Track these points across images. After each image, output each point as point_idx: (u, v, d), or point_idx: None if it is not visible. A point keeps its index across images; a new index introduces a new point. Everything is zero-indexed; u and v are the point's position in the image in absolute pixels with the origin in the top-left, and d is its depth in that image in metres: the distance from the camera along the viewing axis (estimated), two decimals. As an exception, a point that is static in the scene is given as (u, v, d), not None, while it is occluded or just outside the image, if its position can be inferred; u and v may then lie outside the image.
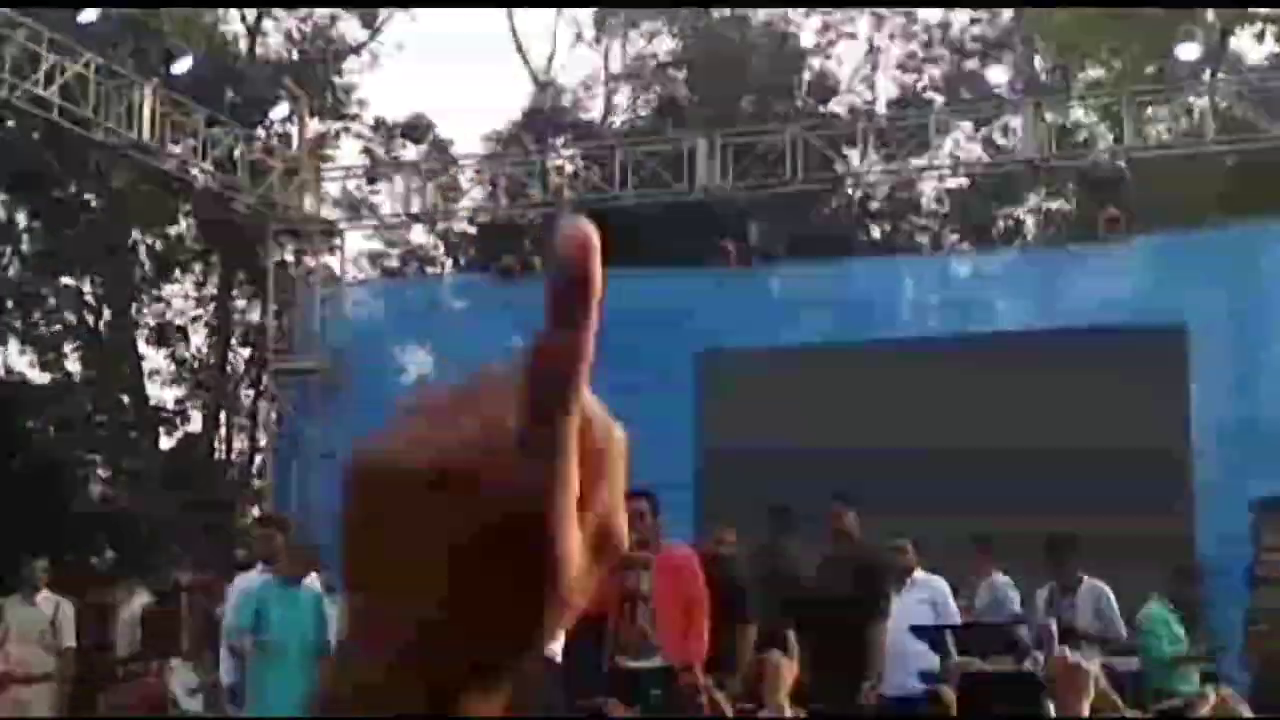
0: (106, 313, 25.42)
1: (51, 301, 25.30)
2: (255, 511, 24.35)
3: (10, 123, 22.66)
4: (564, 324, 0.73)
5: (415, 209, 19.73)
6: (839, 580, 10.37)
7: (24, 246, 25.03)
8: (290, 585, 11.05)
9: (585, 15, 28.17)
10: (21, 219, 25.18)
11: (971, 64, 25.13)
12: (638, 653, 10.37)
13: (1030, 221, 26.30)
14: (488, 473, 0.72)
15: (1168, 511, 14.55)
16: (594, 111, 27.41)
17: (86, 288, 25.32)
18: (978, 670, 2.69)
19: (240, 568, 16.05)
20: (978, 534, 12.52)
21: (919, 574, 11.87)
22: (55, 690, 13.17)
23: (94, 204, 24.21)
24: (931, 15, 26.19)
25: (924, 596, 11.81)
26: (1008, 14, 25.48)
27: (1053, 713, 2.16)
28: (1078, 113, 21.77)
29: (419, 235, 26.16)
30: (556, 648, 9.32)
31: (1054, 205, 25.92)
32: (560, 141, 24.43)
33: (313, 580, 11.33)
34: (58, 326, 25.52)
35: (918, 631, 11.04)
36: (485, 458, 0.72)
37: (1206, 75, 17.81)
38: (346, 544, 0.76)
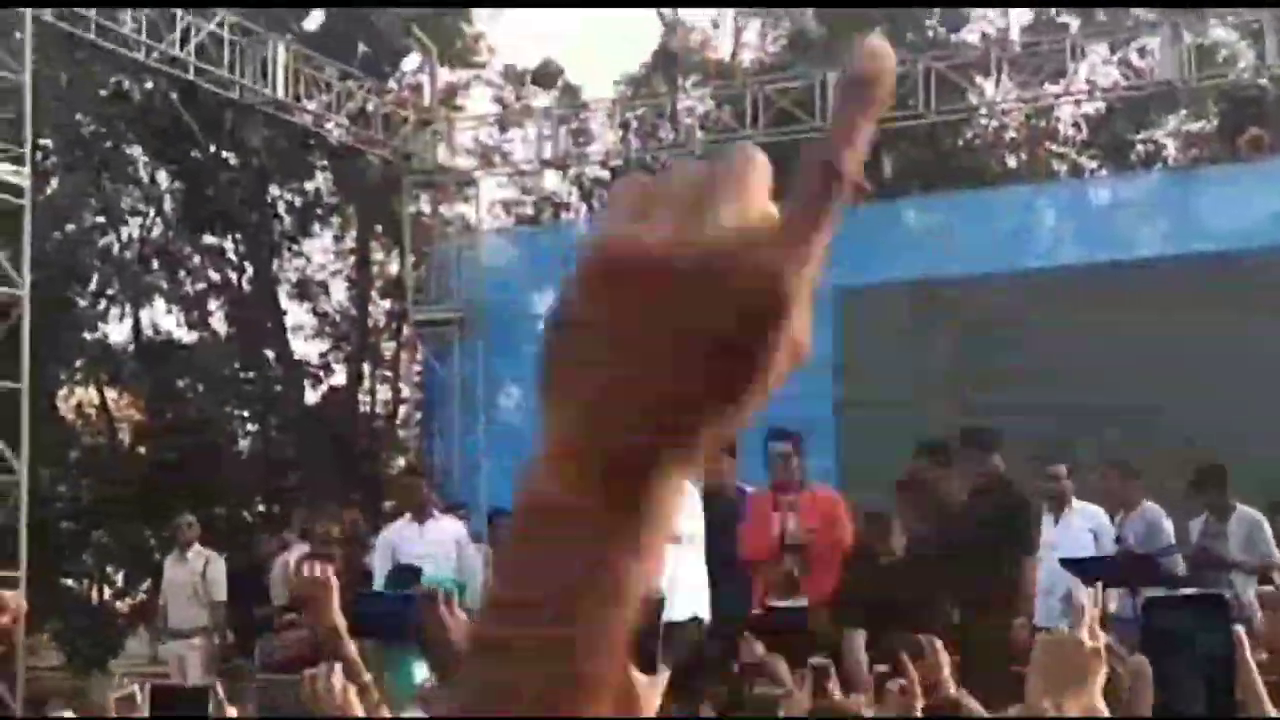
0: (249, 269, 25.71)
1: (195, 260, 25.66)
2: (401, 462, 24.63)
3: (149, 84, 22.98)
4: (844, 136, 0.86)
5: (548, 155, 19.78)
6: (987, 515, 10.28)
7: (166, 207, 25.40)
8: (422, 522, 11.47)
9: (713, -47, 27.99)
10: (163, 180, 25.54)
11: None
12: (783, 593, 10.37)
13: (1171, 145, 25.80)
14: (750, 260, 0.82)
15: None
16: (723, 50, 27.26)
17: (228, 245, 25.64)
18: (1163, 595, 2.63)
19: (389, 517, 16.31)
20: (1124, 464, 12.34)
21: (1077, 502, 11.73)
22: (208, 644, 13.44)
23: (232, 162, 24.49)
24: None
25: (1087, 525, 11.68)
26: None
27: (1244, 639, 2.10)
28: (1217, 31, 21.29)
29: (552, 181, 26.24)
30: (701, 598, 9.31)
31: (1195, 127, 25.41)
32: (690, 82, 24.33)
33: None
34: (202, 285, 25.88)
35: (1067, 565, 10.92)
36: (746, 248, 0.81)
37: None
38: (578, 340, 0.81)
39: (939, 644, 5.56)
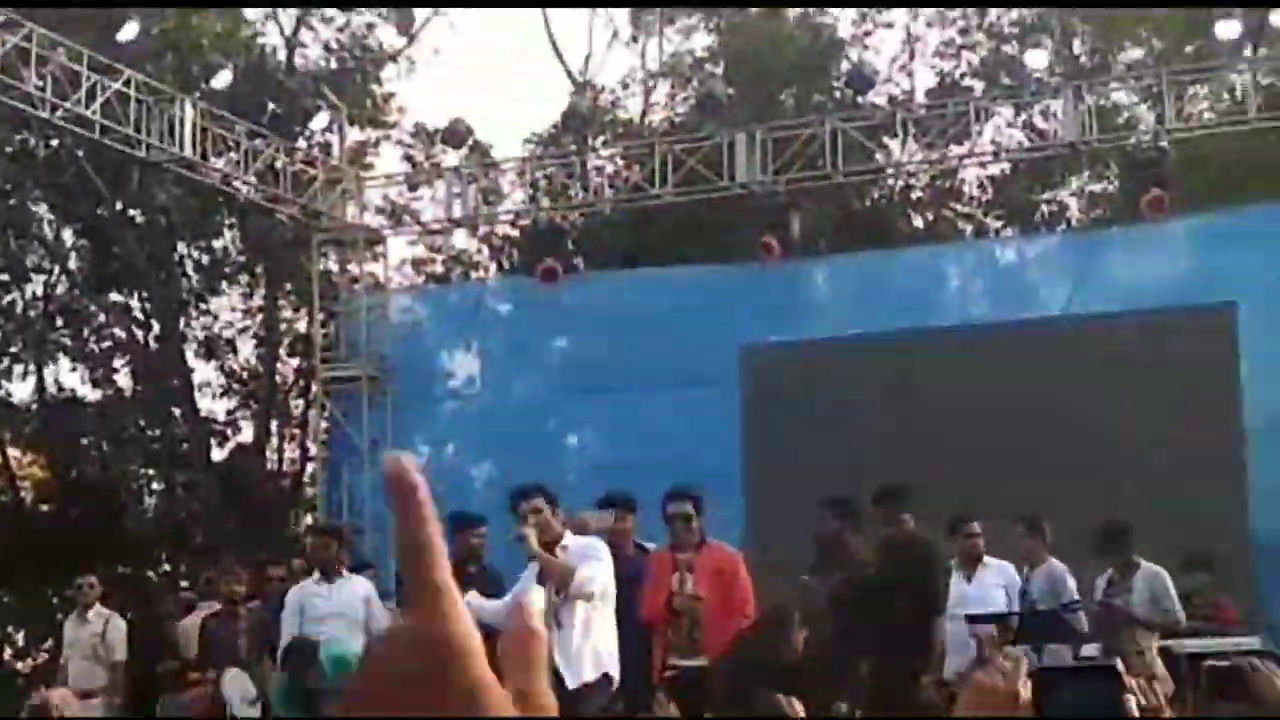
0: (155, 327, 25.54)
1: (100, 318, 25.46)
2: (308, 520, 24.47)
3: (54, 141, 22.83)
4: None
5: (457, 214, 19.79)
6: (897, 573, 10.33)
7: (71, 264, 25.21)
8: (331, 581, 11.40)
9: (621, 15, 28.20)
10: (68, 237, 25.36)
11: (1009, 48, 24.99)
12: (685, 653, 10.37)
13: (1074, 205, 26.17)
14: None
15: (1221, 493, 14.47)
16: (632, 110, 27.43)
17: (134, 303, 25.46)
18: (1055, 664, 2.66)
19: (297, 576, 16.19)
20: (1029, 519, 12.45)
21: (989, 559, 11.84)
22: (108, 703, 13.31)
23: (139, 220, 24.35)
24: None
25: (999, 581, 11.79)
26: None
27: (1133, 710, 2.13)
28: (1118, 94, 21.66)
29: (462, 240, 26.25)
30: (612, 656, 9.32)
31: (1097, 188, 25.79)
32: (600, 142, 24.45)
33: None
34: (107, 343, 25.68)
35: (974, 620, 11.01)
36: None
37: (1248, 52, 17.64)
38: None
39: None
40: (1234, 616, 12.04)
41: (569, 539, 9.33)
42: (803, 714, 6.55)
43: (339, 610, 11.41)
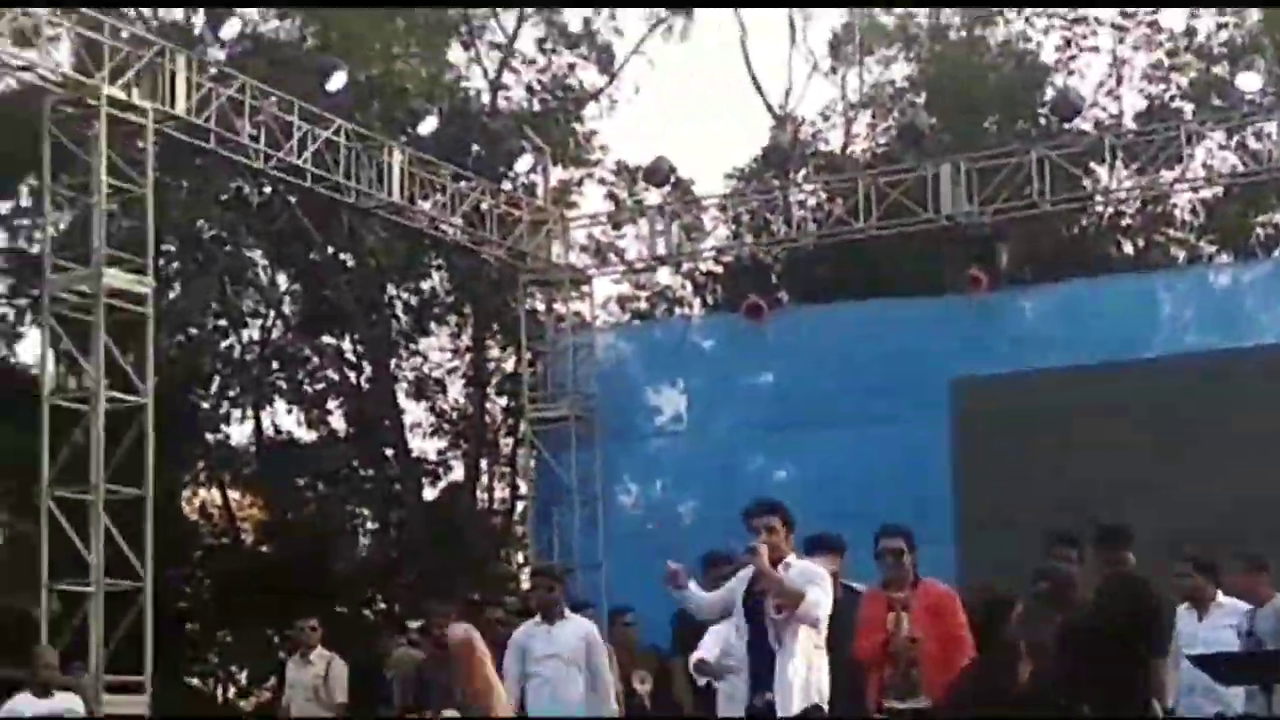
0: (367, 368, 25.96)
1: (314, 360, 25.95)
2: (519, 558, 24.68)
3: (267, 189, 23.37)
4: None
5: (661, 251, 19.87)
6: (1118, 613, 10.08)
7: (285, 308, 25.75)
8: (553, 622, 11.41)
9: (820, 45, 28.10)
10: (282, 281, 25.91)
11: (1220, 70, 24.45)
12: (902, 694, 10.22)
13: (1291, 229, 25.49)
14: None
15: None
16: (834, 143, 27.29)
17: (346, 345, 25.92)
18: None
19: (516, 614, 16.28)
20: (1254, 556, 12.11)
21: (1223, 598, 11.51)
22: (332, 745, 13.50)
23: (349, 263, 24.80)
24: (1176, 22, 25.60)
25: (1231, 621, 11.46)
26: (1255, 14, 24.78)
27: None
28: (1334, 114, 21.06)
29: (666, 277, 26.32)
30: (824, 688, 9.21)
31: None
32: (802, 175, 24.38)
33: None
34: (321, 384, 26.15)
35: (1198, 662, 10.71)
36: None
37: None
38: None
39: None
40: None
41: (792, 559, 9.23)
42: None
43: (558, 651, 11.49)
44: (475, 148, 22.45)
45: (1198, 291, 18.04)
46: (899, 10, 26.86)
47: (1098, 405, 15.66)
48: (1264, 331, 16.80)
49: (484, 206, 18.81)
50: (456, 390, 26.93)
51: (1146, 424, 15.28)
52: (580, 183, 26.68)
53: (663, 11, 27.24)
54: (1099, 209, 23.68)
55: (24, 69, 14.73)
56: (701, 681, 10.76)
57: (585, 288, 20.65)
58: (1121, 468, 14.82)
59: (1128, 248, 25.29)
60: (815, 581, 9.06)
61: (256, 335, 25.75)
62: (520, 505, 24.62)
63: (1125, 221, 25.25)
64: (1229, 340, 16.68)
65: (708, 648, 10.57)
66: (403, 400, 26.13)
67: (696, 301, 26.44)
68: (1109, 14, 25.70)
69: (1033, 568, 10.86)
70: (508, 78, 26.35)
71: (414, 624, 14.82)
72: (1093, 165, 19.18)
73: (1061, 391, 16.00)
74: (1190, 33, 25.58)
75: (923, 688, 10.18)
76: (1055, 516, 12.22)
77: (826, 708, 9.17)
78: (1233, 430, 14.81)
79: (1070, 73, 25.72)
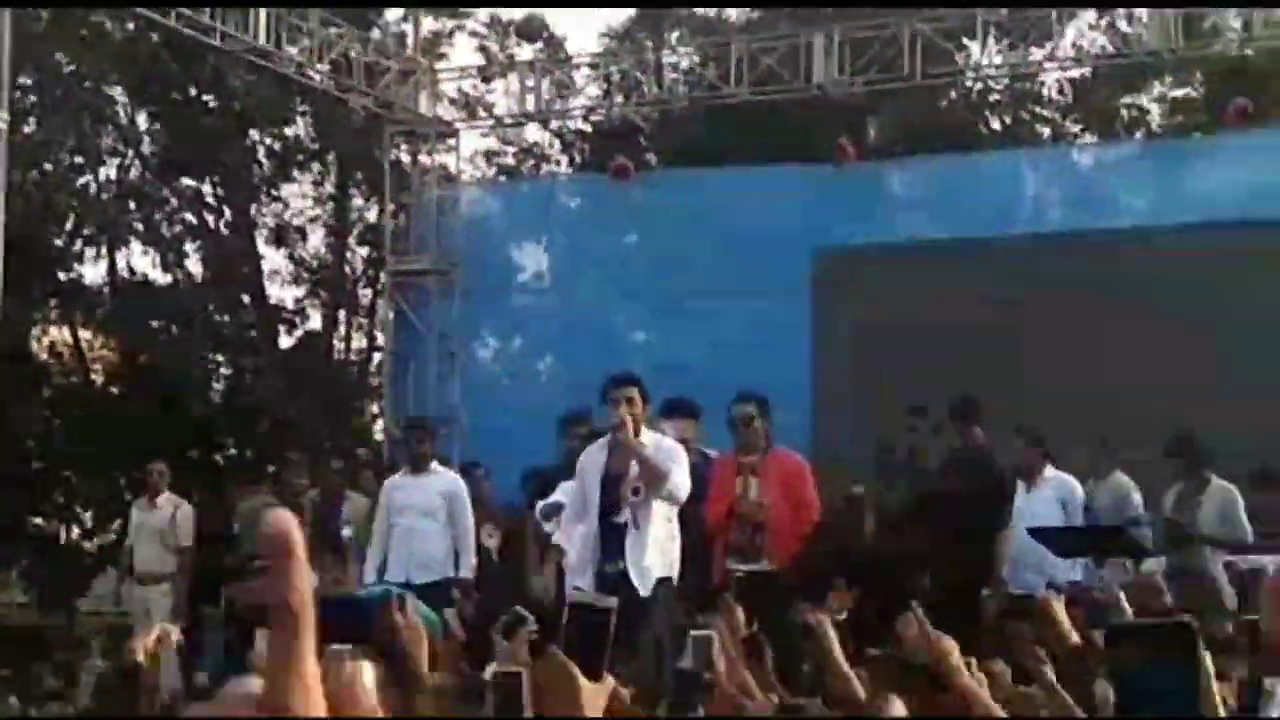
0: (226, 213, 25.56)
1: (172, 202, 25.49)
2: (375, 409, 24.57)
3: (130, 25, 22.79)
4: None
5: (530, 107, 19.66)
6: (965, 487, 10.24)
7: (145, 148, 25.21)
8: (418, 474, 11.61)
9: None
10: (143, 121, 25.35)
11: (1094, -50, 24.53)
12: (747, 557, 10.32)
13: (1156, 111, 25.75)
14: None
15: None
16: (709, 7, 27.08)
17: (206, 188, 25.47)
18: (1127, 623, 2.59)
19: (365, 466, 16.25)
20: (1098, 434, 12.32)
21: (1049, 471, 11.72)
22: (175, 590, 13.42)
23: (212, 106, 24.31)
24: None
25: (1055, 494, 11.68)
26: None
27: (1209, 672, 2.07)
28: (1205, 0, 21.20)
29: (534, 133, 26.10)
30: (676, 562, 9.24)
31: (1180, 94, 25.35)
32: (675, 37, 24.18)
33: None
34: (178, 227, 25.73)
35: (1035, 534, 10.91)
36: None
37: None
38: None
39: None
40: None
41: (646, 436, 9.25)
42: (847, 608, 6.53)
43: (416, 503, 11.57)
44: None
45: (1062, 170, 18.19)
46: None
47: (959, 280, 15.76)
48: (1125, 213, 16.99)
49: (352, 54, 18.45)
50: (317, 239, 26.64)
51: (1007, 301, 15.39)
52: (451, 34, 26.29)
53: None
54: (969, 85, 23.76)
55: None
56: (548, 527, 10.79)
57: (452, 141, 20.38)
58: (978, 343, 14.95)
59: (996, 124, 25.44)
60: (677, 460, 9.10)
61: (114, 174, 25.21)
62: (378, 357, 24.46)
63: (994, 98, 25.38)
64: (1091, 220, 16.85)
65: (557, 499, 10.62)
66: (262, 247, 25.79)
67: (564, 160, 26.27)
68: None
69: (885, 438, 11.01)
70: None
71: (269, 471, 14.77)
72: (965, 41, 19.20)
73: (924, 265, 16.08)
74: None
75: (767, 552, 10.30)
76: (910, 389, 12.35)
77: (676, 577, 9.24)
78: (1089, 310, 14.96)
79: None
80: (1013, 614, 5.76)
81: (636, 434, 9.09)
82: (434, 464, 12.01)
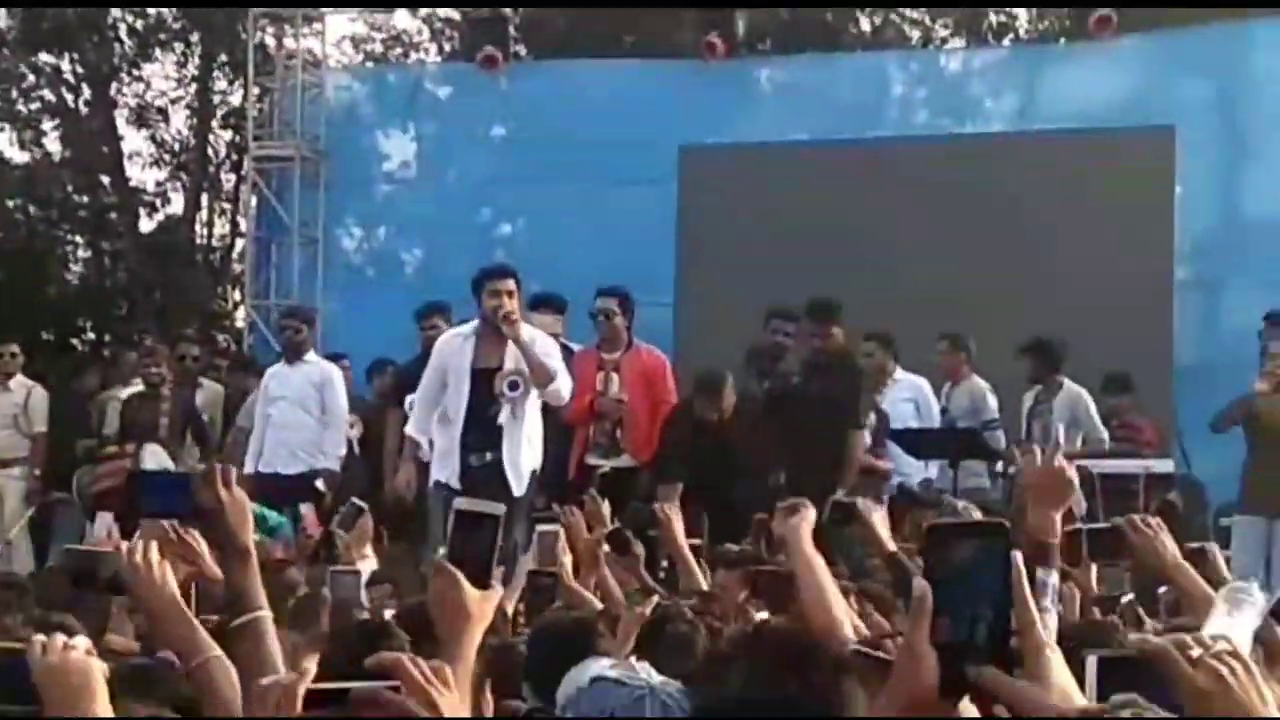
0: (86, 91, 25.05)
1: (30, 79, 24.95)
2: (236, 296, 24.33)
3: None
4: None
5: (399, -7, 19.43)
6: (821, 386, 10.33)
7: (1, 23, 24.63)
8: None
9: None
10: (0, -5, 24.75)
11: None
12: (606, 453, 10.39)
13: (1023, 17, 25.91)
14: None
15: (1147, 317, 14.54)
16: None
17: (65, 65, 24.94)
18: (945, 521, 2.67)
19: (220, 355, 16.10)
20: (954, 336, 12.49)
21: (900, 373, 11.89)
22: (27, 475, 13.25)
23: (73, -19, 23.78)
24: None
25: (907, 396, 11.86)
26: None
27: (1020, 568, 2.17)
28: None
29: (403, 20, 25.79)
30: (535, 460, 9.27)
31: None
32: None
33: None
34: (36, 105, 25.22)
35: (893, 436, 11.07)
36: None
37: None
38: None
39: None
40: (1150, 439, 12.17)
41: (525, 330, 9.24)
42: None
43: (287, 393, 11.56)
44: None
45: (929, 74, 18.29)
46: None
47: (825, 181, 15.83)
48: (990, 118, 17.16)
49: (217, -68, 18.14)
50: (179, 121, 26.19)
51: (872, 204, 15.49)
52: (320, -86, 25.83)
53: None
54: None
55: None
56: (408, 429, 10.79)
57: (318, 25, 20.06)
58: (841, 246, 15.05)
59: (865, 24, 25.49)
60: (554, 356, 9.11)
61: (-31, 50, 24.63)
62: (240, 243, 24.17)
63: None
64: (956, 125, 17.00)
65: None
66: (122, 128, 25.33)
67: (433, 48, 26.00)
68: None
69: (747, 340, 11.08)
70: None
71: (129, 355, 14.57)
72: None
73: (790, 165, 16.12)
74: None
75: (626, 446, 10.38)
76: (774, 289, 12.42)
77: (539, 470, 9.28)
78: (953, 215, 15.11)
79: None
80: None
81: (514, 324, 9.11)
82: (310, 354, 11.97)
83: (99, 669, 2.67)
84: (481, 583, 2.83)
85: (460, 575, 2.81)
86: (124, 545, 3.72)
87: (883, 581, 5.74)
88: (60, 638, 2.68)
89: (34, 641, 2.67)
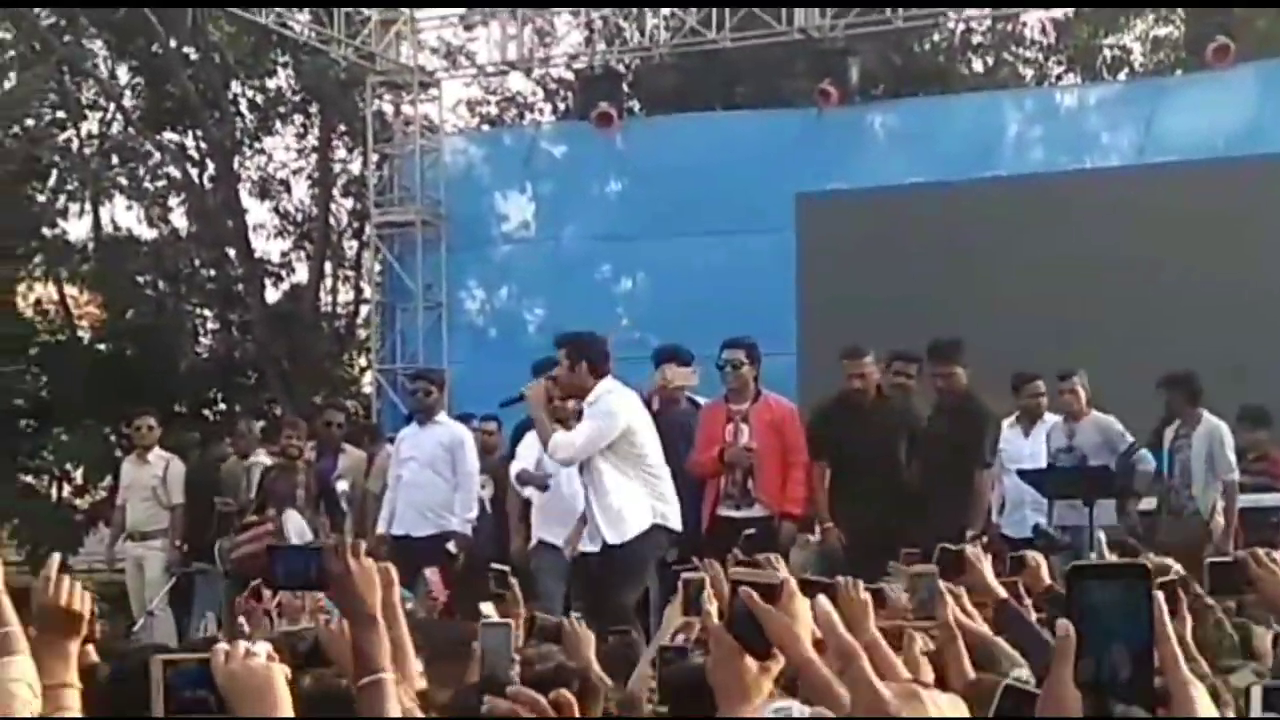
0: (210, 166, 25.48)
1: (155, 156, 25.42)
2: (362, 362, 24.58)
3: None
4: None
5: (512, 56, 19.62)
6: (949, 428, 10.28)
7: (127, 102, 25.13)
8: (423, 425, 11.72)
9: None
10: (123, 75, 25.25)
11: (1076, -111, 24.42)
12: (737, 503, 10.37)
13: (1138, 50, 25.71)
14: None
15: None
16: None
17: (189, 142, 25.39)
18: (1087, 564, 2.63)
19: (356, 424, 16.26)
20: (1069, 371, 12.30)
21: (1049, 416, 11.75)
22: (168, 546, 13.44)
23: (193, 57, 24.20)
24: None
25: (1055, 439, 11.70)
26: None
27: (1161, 606, 2.16)
28: (1186, -62, 21.15)
29: (517, 82, 26.03)
30: (643, 509, 9.23)
31: (1162, 32, 25.30)
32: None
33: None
34: (162, 181, 25.67)
35: (1024, 476, 10.96)
36: None
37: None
38: None
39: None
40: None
41: (598, 389, 9.17)
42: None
43: (417, 454, 11.62)
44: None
45: (1044, 111, 18.20)
46: None
47: (943, 223, 15.78)
48: (1108, 153, 17.02)
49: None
50: (301, 191, 26.58)
51: (991, 243, 15.42)
52: (431, -18, 26.16)
53: None
54: (950, 26, 23.70)
55: None
56: (525, 492, 10.85)
57: (434, 91, 20.34)
58: (963, 286, 14.98)
59: (977, 65, 25.40)
60: (589, 415, 9.06)
61: (95, 129, 25.14)
62: (364, 310, 24.46)
63: (976, 39, 25.33)
64: (1074, 161, 16.89)
65: (524, 458, 10.65)
66: (246, 200, 25.72)
67: (547, 108, 26.19)
68: None
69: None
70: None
71: (255, 425, 14.76)
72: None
73: (907, 208, 16.10)
74: None
75: (758, 496, 10.35)
76: (896, 333, 12.36)
77: (644, 527, 9.14)
78: (1073, 251, 14.99)
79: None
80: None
81: (576, 395, 9.17)
82: (440, 415, 12.04)
83: (280, 673, 2.77)
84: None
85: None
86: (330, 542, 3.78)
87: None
88: (242, 645, 2.78)
89: (217, 650, 2.76)
